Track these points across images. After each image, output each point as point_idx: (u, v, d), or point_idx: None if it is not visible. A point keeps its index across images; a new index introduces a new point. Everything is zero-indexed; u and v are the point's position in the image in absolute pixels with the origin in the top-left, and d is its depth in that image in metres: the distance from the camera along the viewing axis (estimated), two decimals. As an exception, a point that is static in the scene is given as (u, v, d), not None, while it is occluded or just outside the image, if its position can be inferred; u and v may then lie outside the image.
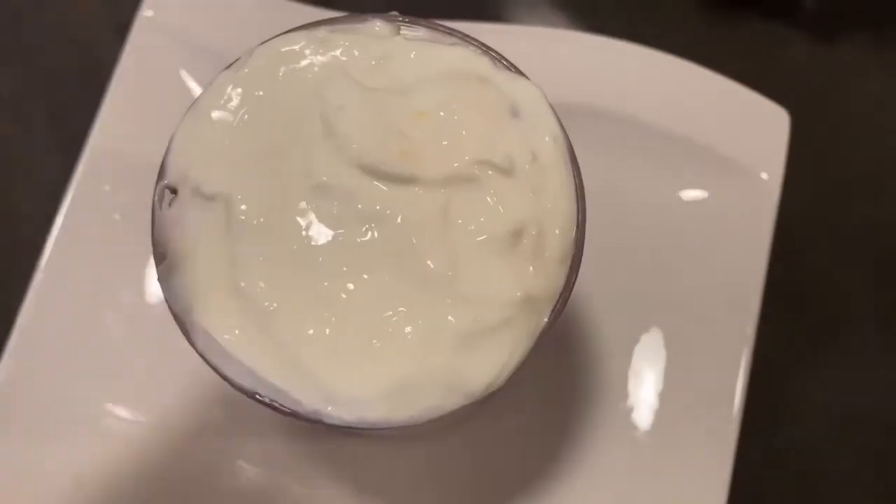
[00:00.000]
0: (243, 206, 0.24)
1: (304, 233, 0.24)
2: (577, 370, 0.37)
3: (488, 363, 0.23)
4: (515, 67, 0.27)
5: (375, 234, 0.24)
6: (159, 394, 0.37)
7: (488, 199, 0.24)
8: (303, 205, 0.24)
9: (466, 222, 0.24)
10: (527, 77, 0.26)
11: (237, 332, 0.24)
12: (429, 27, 0.27)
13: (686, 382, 0.37)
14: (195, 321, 0.24)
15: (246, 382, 0.24)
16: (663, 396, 0.37)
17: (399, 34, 0.26)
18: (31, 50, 0.45)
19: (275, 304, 0.24)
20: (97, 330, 0.39)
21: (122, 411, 0.37)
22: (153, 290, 0.39)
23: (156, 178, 0.26)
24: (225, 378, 0.24)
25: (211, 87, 0.26)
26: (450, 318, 0.23)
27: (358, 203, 0.24)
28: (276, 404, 0.24)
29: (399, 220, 0.24)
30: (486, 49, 0.27)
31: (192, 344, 0.24)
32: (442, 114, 0.25)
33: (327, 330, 0.23)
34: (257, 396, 0.24)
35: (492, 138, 0.25)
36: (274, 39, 0.26)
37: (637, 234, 0.39)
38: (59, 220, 0.39)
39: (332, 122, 0.24)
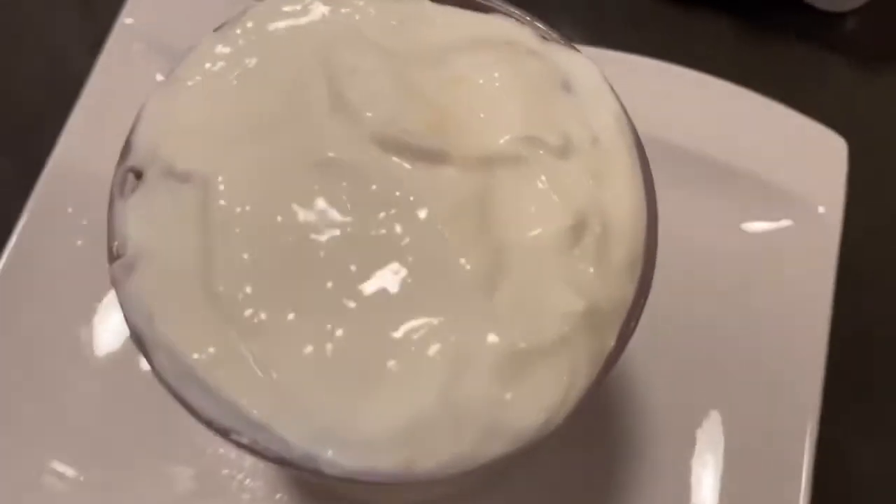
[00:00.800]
0: (225, 189, 0.19)
1: (302, 222, 0.18)
2: (627, 439, 0.32)
3: (541, 396, 0.18)
4: (566, 41, 0.22)
5: (395, 224, 0.18)
6: (113, 449, 0.31)
7: (539, 184, 0.19)
8: (302, 187, 0.19)
9: (512, 213, 0.19)
10: (579, 51, 0.22)
11: (211, 349, 0.18)
12: (460, -6, 0.22)
13: (749, 460, 0.31)
14: (156, 334, 0.18)
15: (219, 417, 0.18)
16: (725, 474, 0.31)
17: (425, -1, 0.22)
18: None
19: (262, 314, 0.18)
20: (49, 372, 0.33)
21: (67, 469, 0.31)
22: (116, 325, 0.33)
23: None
24: (190, 410, 0.18)
25: (192, 53, 0.21)
26: (490, 334, 0.18)
27: (372, 184, 0.19)
28: (258, 447, 0.18)
29: (426, 206, 0.18)
30: (528, 20, 0.22)
31: (150, 364, 0.19)
32: (481, 81, 0.20)
33: (329, 347, 0.18)
34: (233, 437, 0.18)
35: (542, 113, 0.20)
36: (272, -3, 0.21)
37: (691, 278, 0.33)
38: (11, 245, 0.34)
39: (341, 87, 0.19)
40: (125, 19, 0.37)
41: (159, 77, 0.36)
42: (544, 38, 0.22)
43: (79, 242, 0.35)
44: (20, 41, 0.41)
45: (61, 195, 0.35)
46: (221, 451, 0.31)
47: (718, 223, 0.34)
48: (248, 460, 0.31)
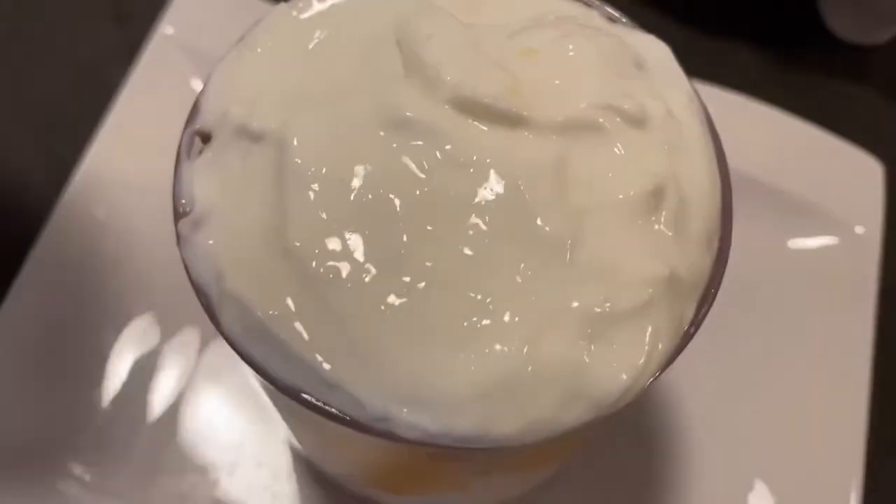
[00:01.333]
0: (300, 147, 0.18)
1: (378, 180, 0.18)
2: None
3: (623, 359, 0.17)
4: (634, 24, 0.22)
5: (472, 184, 0.18)
6: (133, 464, 0.30)
7: (616, 151, 0.19)
8: (378, 146, 0.18)
9: (590, 177, 0.18)
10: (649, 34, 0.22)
11: (287, 303, 0.17)
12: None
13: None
14: (226, 290, 0.18)
15: (289, 376, 0.17)
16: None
17: (493, -20, 0.22)
18: (29, 70, 0.40)
19: (338, 270, 0.17)
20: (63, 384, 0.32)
21: (81, 472, 0.30)
22: (139, 332, 0.32)
23: (174, 165, 0.20)
24: (258, 369, 0.18)
25: (263, 21, 0.21)
26: (571, 296, 0.17)
27: (448, 144, 0.18)
28: (331, 408, 0.17)
29: (504, 168, 0.18)
30: (597, 4, 0.22)
31: (215, 323, 0.18)
32: (556, 52, 0.20)
33: (406, 305, 0.17)
34: (303, 396, 0.17)
35: (617, 84, 0.19)
36: (344, -28, 0.21)
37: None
38: (36, 247, 0.33)
39: (418, 51, 0.19)
40: (165, 29, 0.38)
41: (196, 85, 0.36)
42: (611, 20, 0.22)
43: (106, 246, 0.35)
44: (53, 50, 0.41)
45: (91, 197, 0.35)
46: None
47: (765, 241, 0.34)
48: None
